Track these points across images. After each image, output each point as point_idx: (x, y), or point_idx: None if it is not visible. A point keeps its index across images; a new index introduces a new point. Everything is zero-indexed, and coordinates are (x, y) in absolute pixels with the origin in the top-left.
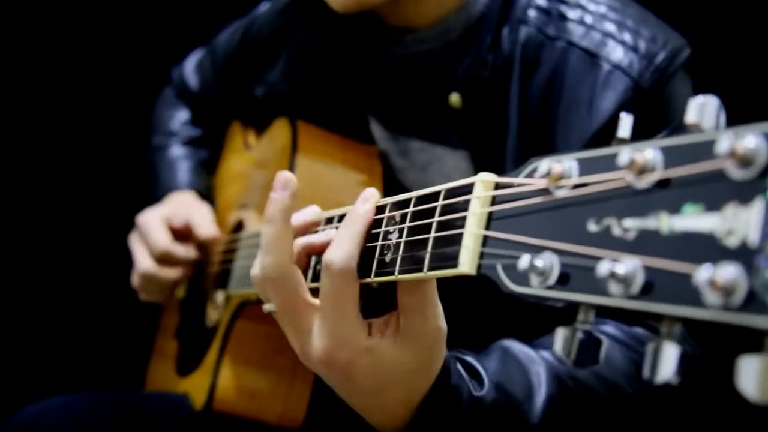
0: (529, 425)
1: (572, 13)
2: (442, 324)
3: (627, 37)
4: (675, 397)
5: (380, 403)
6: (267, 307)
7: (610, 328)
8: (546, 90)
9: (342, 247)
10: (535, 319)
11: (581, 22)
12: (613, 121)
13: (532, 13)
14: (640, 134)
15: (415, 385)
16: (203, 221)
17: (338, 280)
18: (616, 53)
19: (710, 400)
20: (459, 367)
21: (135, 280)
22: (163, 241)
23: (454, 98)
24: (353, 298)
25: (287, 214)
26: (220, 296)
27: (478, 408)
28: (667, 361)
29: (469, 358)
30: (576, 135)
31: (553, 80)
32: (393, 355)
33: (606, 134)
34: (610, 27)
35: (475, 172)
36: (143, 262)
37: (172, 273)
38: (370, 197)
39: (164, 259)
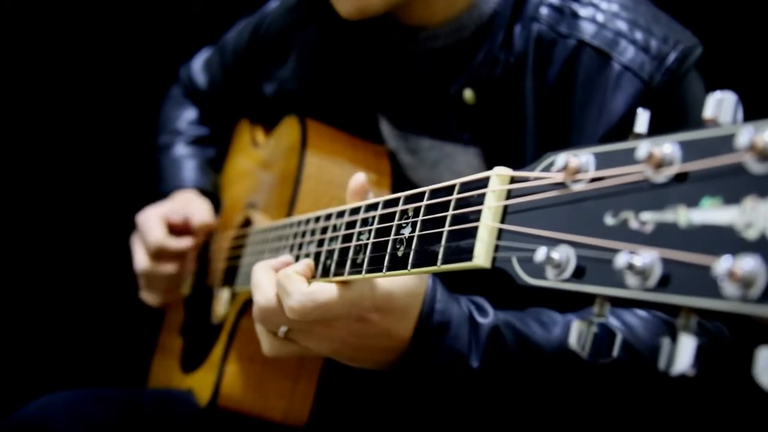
0: (543, 358)
1: (584, 11)
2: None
3: (639, 36)
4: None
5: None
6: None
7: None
8: (559, 88)
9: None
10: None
11: (593, 20)
12: (623, 123)
13: (544, 11)
14: (653, 134)
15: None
16: (199, 212)
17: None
18: (628, 53)
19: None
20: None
21: (139, 281)
22: (157, 236)
23: (468, 94)
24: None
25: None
26: (226, 293)
27: (477, 328)
28: (684, 353)
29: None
30: (588, 135)
31: (565, 78)
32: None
33: (616, 135)
34: (622, 26)
35: (487, 168)
36: (140, 259)
37: (168, 268)
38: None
39: (159, 254)
